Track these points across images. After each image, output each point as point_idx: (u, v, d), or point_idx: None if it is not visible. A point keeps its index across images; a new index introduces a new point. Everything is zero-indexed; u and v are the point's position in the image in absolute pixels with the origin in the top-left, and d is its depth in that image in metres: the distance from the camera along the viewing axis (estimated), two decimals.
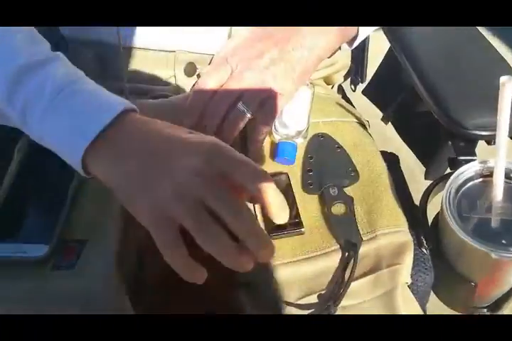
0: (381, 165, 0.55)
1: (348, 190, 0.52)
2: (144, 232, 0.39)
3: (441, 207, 0.46)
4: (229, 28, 0.55)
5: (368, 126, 0.61)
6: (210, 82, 0.49)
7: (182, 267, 0.37)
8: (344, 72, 0.66)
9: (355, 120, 0.59)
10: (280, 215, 0.40)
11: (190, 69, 0.57)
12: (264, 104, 0.50)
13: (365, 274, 0.48)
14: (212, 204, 0.37)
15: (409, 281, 0.49)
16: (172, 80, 0.58)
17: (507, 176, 0.45)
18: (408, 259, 0.49)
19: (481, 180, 0.47)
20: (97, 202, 0.50)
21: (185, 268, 0.37)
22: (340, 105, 0.61)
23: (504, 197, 0.46)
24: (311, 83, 0.57)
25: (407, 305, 0.47)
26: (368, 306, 0.47)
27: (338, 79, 0.66)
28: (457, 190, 0.46)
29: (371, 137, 0.59)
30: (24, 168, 0.50)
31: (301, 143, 0.54)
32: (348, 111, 0.60)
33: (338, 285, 0.47)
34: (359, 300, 0.47)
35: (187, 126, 0.49)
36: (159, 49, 0.57)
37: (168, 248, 0.37)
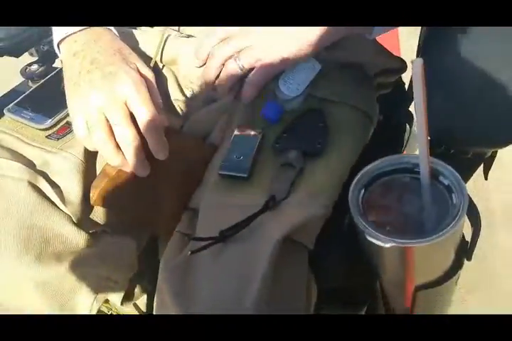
0: (351, 158, 0.56)
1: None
2: None
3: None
4: None
5: (374, 123, 0.62)
6: (222, 31, 0.56)
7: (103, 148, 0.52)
8: (381, 67, 0.65)
9: (365, 110, 0.60)
10: (156, 154, 0.54)
11: None
12: (259, 63, 0.55)
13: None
14: (130, 103, 0.52)
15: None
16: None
17: (411, 170, 0.43)
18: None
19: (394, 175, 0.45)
20: None
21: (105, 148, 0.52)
22: (359, 92, 0.61)
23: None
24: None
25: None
26: None
27: (375, 71, 0.65)
28: (370, 181, 0.45)
29: (368, 133, 0.61)
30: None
31: (291, 109, 0.58)
32: (362, 100, 0.61)
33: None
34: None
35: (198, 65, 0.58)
36: None
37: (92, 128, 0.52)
